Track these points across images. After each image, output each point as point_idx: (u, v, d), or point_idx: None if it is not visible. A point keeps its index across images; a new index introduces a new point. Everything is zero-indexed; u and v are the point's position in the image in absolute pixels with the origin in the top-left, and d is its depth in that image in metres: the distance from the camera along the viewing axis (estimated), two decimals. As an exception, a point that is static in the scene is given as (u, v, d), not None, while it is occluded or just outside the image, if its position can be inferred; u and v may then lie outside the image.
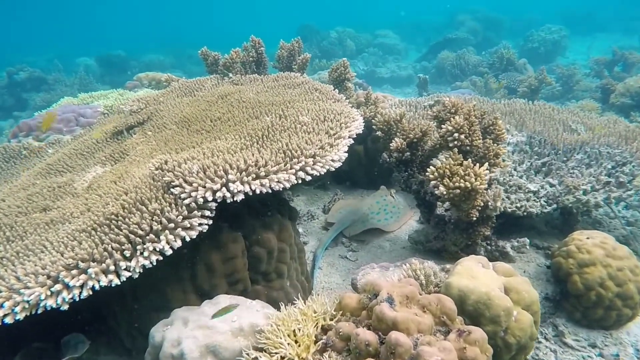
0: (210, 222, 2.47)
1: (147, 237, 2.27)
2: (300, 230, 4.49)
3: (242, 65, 5.17)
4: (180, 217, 2.36)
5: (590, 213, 4.22)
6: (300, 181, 2.69)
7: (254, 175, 2.52)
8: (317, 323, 2.09)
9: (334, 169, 2.87)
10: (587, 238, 3.26)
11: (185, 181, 2.50)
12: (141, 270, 2.22)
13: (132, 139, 3.91)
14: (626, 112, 7.10)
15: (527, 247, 3.49)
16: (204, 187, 2.44)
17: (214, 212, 2.49)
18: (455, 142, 3.05)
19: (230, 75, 4.85)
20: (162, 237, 2.28)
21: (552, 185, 3.85)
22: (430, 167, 3.02)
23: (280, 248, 2.94)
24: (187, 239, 2.36)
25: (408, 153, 3.55)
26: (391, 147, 3.57)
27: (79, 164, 3.67)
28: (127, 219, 2.35)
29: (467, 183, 2.77)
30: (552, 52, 14.08)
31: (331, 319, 2.11)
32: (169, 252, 2.29)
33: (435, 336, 1.96)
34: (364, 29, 19.16)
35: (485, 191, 2.85)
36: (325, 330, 2.09)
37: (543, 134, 4.47)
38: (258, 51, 4.97)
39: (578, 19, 20.89)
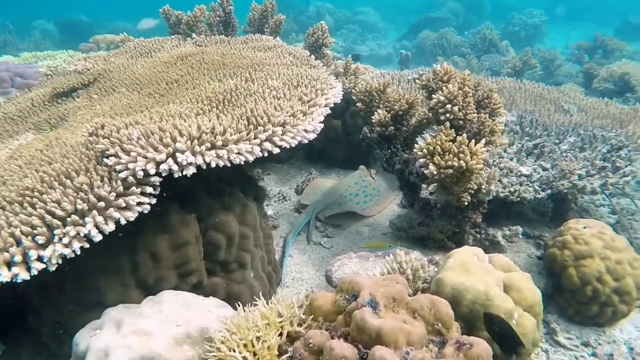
0: (154, 201, 2.00)
1: (69, 219, 1.79)
2: (270, 212, 4.05)
3: (208, 26, 4.62)
4: (114, 194, 1.88)
5: (577, 200, 3.94)
6: (266, 154, 2.24)
7: (208, 145, 2.05)
8: (282, 329, 1.67)
9: (307, 141, 2.43)
10: (585, 227, 2.95)
11: (123, 150, 2.01)
12: (59, 262, 1.74)
13: (73, 103, 3.36)
14: (608, 97, 6.91)
15: (520, 236, 3.16)
16: (145, 157, 1.96)
17: (158, 189, 2.02)
18: (447, 115, 2.65)
19: (194, 35, 4.31)
20: (88, 219, 1.81)
21: (544, 169, 3.51)
22: (418, 143, 2.61)
23: (243, 233, 2.50)
24: (123, 221, 1.89)
25: (392, 127, 3.14)
26: (373, 121, 3.15)
27: (7, 130, 3.10)
28: (44, 196, 1.86)
29: (461, 162, 2.38)
30: (533, 37, 13.86)
31: (300, 324, 1.70)
32: (98, 237, 1.82)
33: (428, 348, 1.57)
34: (344, 5, 18.54)
35: (480, 172, 2.47)
36: (292, 338, 1.68)
37: (534, 113, 4.13)
38: (226, 10, 4.43)
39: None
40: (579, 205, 4.14)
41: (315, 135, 2.52)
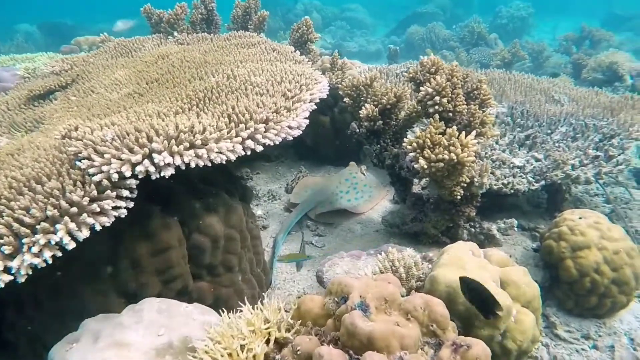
0: (131, 205, 1.90)
1: (39, 227, 1.68)
2: (260, 212, 3.95)
3: (190, 24, 4.51)
4: (87, 198, 1.77)
5: (571, 191, 3.88)
6: (249, 152, 2.15)
7: (187, 145, 1.95)
8: (269, 336, 1.58)
9: (291, 138, 2.34)
10: (580, 218, 2.89)
11: (96, 152, 1.91)
12: (29, 272, 1.63)
13: (51, 105, 3.25)
14: (598, 87, 6.87)
15: (515, 228, 3.09)
16: (120, 159, 1.86)
17: (136, 192, 1.92)
18: (436, 107, 2.57)
19: (176, 34, 4.20)
20: (60, 225, 1.70)
21: (537, 160, 3.45)
22: (407, 137, 2.53)
23: (228, 235, 2.40)
24: (98, 227, 1.79)
25: (380, 122, 3.05)
26: (361, 115, 3.06)
27: (-20, 135, 2.98)
28: (12, 203, 1.75)
29: (451, 155, 2.29)
30: (520, 29, 13.84)
31: (288, 330, 1.61)
32: (72, 245, 1.72)
33: (424, 351, 1.48)
34: (331, 2, 18.41)
35: (472, 164, 2.39)
36: (280, 345, 1.58)
37: (525, 104, 4.06)
38: (208, 7, 4.32)
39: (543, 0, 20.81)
40: (573, 196, 4.08)
41: (300, 132, 2.43)
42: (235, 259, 2.45)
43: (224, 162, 2.06)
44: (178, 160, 1.92)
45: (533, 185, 3.22)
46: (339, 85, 3.50)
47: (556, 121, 3.77)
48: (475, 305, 1.74)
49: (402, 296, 1.63)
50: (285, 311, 1.67)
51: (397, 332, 1.40)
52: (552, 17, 19.73)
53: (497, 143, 3.67)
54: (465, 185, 2.57)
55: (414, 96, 2.96)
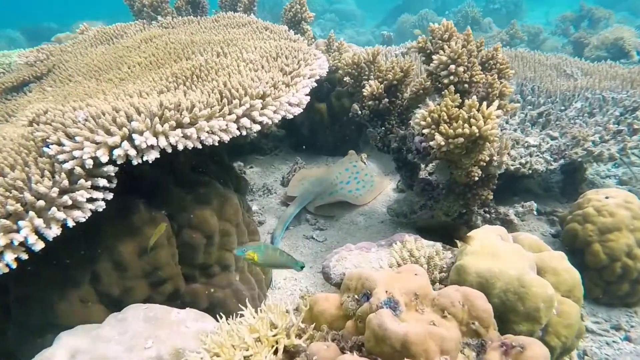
0: (110, 196, 1.63)
1: (-2, 224, 1.41)
2: (255, 207, 3.68)
3: (175, 10, 4.22)
4: (56, 190, 1.50)
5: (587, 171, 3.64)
6: (244, 132, 1.88)
7: (172, 123, 1.68)
8: (276, 344, 1.32)
9: (292, 116, 2.08)
10: (607, 198, 2.65)
11: (67, 135, 1.63)
12: (-13, 278, 1.36)
13: (25, 98, 2.96)
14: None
15: (535, 212, 2.84)
16: (95, 142, 1.58)
17: (114, 182, 1.65)
18: (451, 78, 2.31)
19: (160, 18, 3.91)
20: (24, 222, 1.43)
21: (553, 138, 3.21)
22: (420, 112, 2.27)
23: (224, 230, 2.14)
24: (71, 223, 1.52)
25: (386, 100, 2.79)
26: (364, 94, 2.80)
27: (-56, 130, 2.68)
28: (-35, 197, 1.47)
29: (473, 128, 2.04)
30: (514, 14, 13.59)
31: (299, 335, 1.35)
32: (39, 246, 1.45)
33: (464, 354, 1.23)
34: (320, -5, 18.08)
35: (495, 139, 2.14)
36: (290, 354, 1.32)
37: (535, 80, 3.82)
38: (193, -11, 4.03)
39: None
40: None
41: (301, 110, 2.17)
42: (232, 256, 2.19)
43: (217, 144, 1.79)
44: (163, 142, 1.64)
45: (551, 164, 2.98)
46: (339, 64, 3.24)
47: (570, 96, 3.54)
48: (441, 240, 1.75)
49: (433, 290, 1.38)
50: (295, 310, 1.40)
51: (436, 334, 1.14)
52: (545, 2, 19.54)
53: (507, 122, 3.43)
54: (484, 164, 2.32)
55: (421, 71, 2.71)
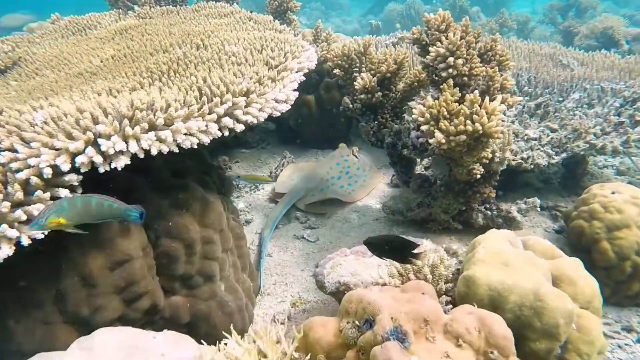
0: (74, 208, 1.43)
1: (-62, 246, 1.21)
2: (242, 205, 3.50)
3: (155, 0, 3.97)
4: (8, 203, 1.30)
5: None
6: (227, 132, 1.69)
7: (145, 125, 1.48)
8: (266, 379, 1.15)
9: (279, 114, 1.89)
10: (613, 193, 2.53)
11: (22, 140, 1.43)
12: None
13: (-14, 94, 2.72)
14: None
15: (538, 208, 2.71)
16: (54, 147, 1.38)
17: (79, 191, 1.45)
18: (450, 71, 2.14)
19: (136, 7, 3.67)
20: (-30, 242, 1.23)
21: (553, 131, 3.07)
22: (418, 107, 2.10)
23: (206, 237, 1.95)
24: (26, 241, 1.32)
25: (379, 93, 2.61)
26: (356, 87, 2.62)
27: None
28: None
29: (476, 125, 1.87)
30: (501, 3, 13.47)
31: (292, 366, 1.18)
32: (-11, 268, 1.25)
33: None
34: (304, -17, 17.74)
35: (499, 136, 1.98)
36: (282, 390, 1.15)
37: (530, 71, 3.68)
38: (171, -24, 3.79)
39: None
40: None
41: (289, 106, 1.98)
42: (216, 265, 2.01)
43: (196, 147, 1.60)
44: (134, 147, 1.45)
45: (553, 158, 2.84)
46: (327, 56, 3.05)
47: (568, 87, 3.40)
48: (395, 258, 1.56)
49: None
50: (285, 321, 1.23)
51: (452, 370, 0.98)
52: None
53: (504, 114, 3.28)
54: (487, 161, 2.17)
55: (414, 64, 2.54)
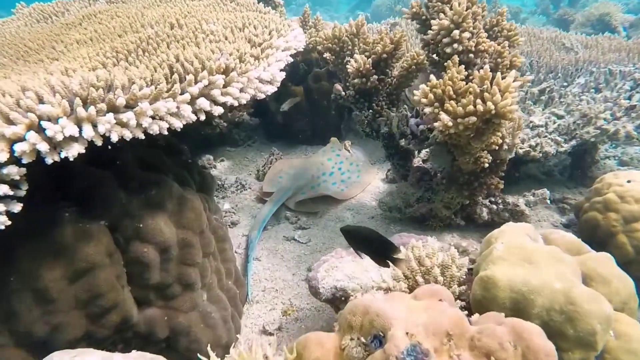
0: (18, 207, 1.18)
1: None
2: (227, 206, 3.25)
3: (128, -15, 3.70)
4: None
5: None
6: (202, 116, 1.45)
7: (102, 106, 1.24)
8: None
9: (263, 96, 1.65)
10: (629, 182, 2.33)
11: (-51, 126, 1.17)
12: None
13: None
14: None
15: (548, 200, 2.50)
16: (-14, 134, 1.13)
17: (24, 187, 1.20)
18: (455, 46, 1.92)
19: (107, -7, 3.40)
20: None
21: (560, 117, 2.87)
22: (421, 86, 1.87)
23: (184, 240, 1.71)
24: (-45, 248, 1.07)
25: (375, 77, 2.39)
26: (349, 71, 2.40)
27: None
28: None
29: (488, 105, 1.66)
30: (489, -4, 13.40)
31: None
32: None
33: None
34: (289, -20, 17.48)
35: (513, 117, 1.76)
36: None
37: (532, 55, 3.48)
38: (146, -41, 3.52)
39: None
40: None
41: (275, 88, 1.75)
42: (196, 272, 1.76)
43: (166, 133, 1.36)
44: (89, 132, 1.20)
45: (562, 146, 2.64)
46: (317, 39, 2.82)
47: (573, 71, 3.21)
48: (371, 257, 1.43)
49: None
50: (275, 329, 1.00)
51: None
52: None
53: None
54: (496, 147, 1.95)
55: (422, 36, 2.28)
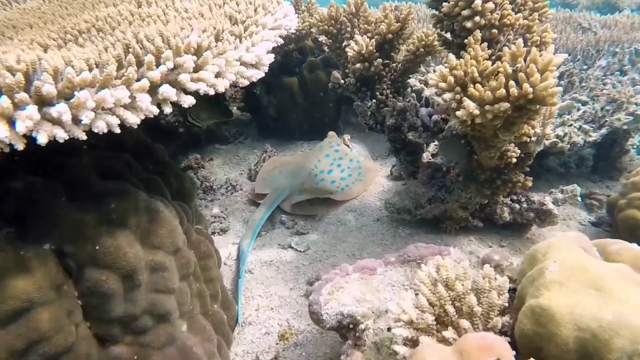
0: None
1: None
2: (216, 210, 2.93)
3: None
4: None
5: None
6: (168, 109, 1.13)
7: (23, 97, 0.91)
8: None
9: (247, 83, 1.33)
10: (671, 174, 2.04)
11: None
12: None
13: None
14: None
15: (579, 198, 2.19)
16: None
17: None
18: (476, 20, 1.60)
19: (76, -23, 3.05)
20: None
21: (584, 103, 2.57)
22: (437, 70, 1.56)
23: (154, 262, 1.39)
24: None
25: (379, 60, 2.07)
26: (349, 55, 2.08)
27: None
28: None
29: (525, 87, 1.34)
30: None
31: None
32: None
33: None
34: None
35: (554, 102, 1.45)
36: None
37: (546, 37, 3.17)
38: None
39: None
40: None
41: (262, 74, 1.43)
42: (171, 299, 1.45)
43: (118, 131, 1.04)
44: (3, 132, 0.88)
45: (590, 135, 2.33)
46: (311, 20, 2.49)
47: (593, 53, 2.90)
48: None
49: None
50: None
51: None
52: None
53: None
54: (527, 140, 1.64)
55: (434, 13, 1.96)
